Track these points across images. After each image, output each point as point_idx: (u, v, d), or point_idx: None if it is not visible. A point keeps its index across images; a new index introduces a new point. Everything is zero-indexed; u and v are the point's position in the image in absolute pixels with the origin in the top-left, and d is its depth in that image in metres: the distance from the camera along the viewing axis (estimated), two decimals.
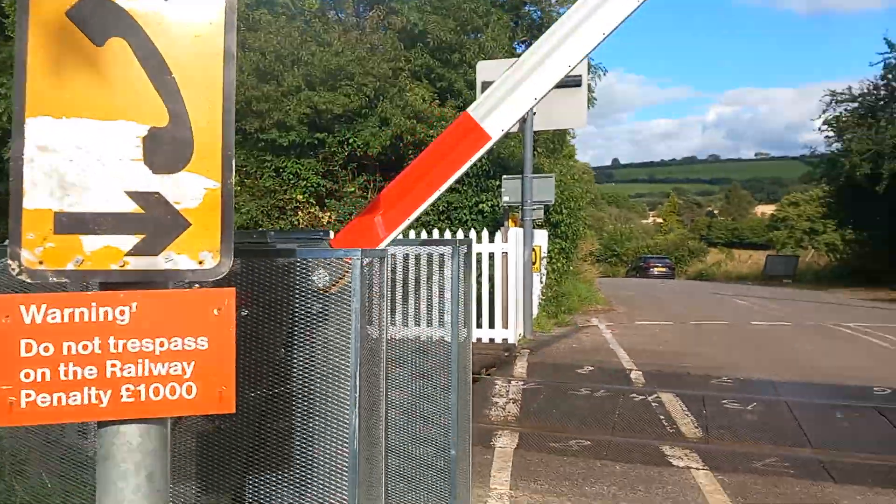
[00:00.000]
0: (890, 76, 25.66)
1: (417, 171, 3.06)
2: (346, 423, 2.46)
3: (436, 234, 10.47)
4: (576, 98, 10.88)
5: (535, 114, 10.73)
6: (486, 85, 11.13)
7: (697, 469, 5.17)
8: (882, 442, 5.84)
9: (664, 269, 44.04)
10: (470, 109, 3.21)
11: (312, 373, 2.51)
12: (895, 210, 24.54)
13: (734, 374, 8.49)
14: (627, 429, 6.23)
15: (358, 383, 2.42)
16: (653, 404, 7.01)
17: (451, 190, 13.40)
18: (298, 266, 2.51)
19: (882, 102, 25.87)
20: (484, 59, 13.15)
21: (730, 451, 5.65)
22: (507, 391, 7.36)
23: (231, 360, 1.65)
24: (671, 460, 5.37)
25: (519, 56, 15.22)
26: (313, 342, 2.52)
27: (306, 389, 2.52)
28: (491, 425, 6.19)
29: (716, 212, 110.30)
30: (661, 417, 6.54)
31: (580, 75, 10.89)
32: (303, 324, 2.56)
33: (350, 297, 2.50)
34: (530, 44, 20.29)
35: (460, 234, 10.34)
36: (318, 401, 2.53)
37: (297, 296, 2.55)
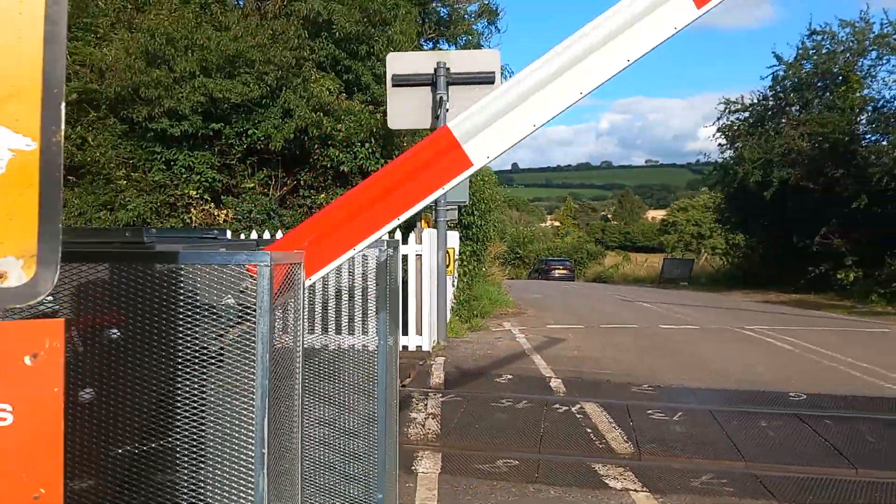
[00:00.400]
0: (778, 88, 26.92)
1: (374, 190, 2.45)
2: (249, 489, 1.81)
3: None
4: None
5: (448, 110, 10.23)
6: (396, 78, 10.52)
7: (636, 491, 4.78)
8: (810, 453, 5.67)
9: (565, 272, 44.85)
10: (451, 125, 2.61)
11: (203, 420, 1.85)
12: (783, 216, 25.73)
13: (654, 381, 8.27)
14: (556, 444, 5.80)
15: (265, 435, 1.78)
16: (577, 416, 6.63)
17: None
18: (183, 275, 1.85)
19: (770, 112, 27.10)
20: (393, 52, 12.53)
21: (664, 468, 5.31)
22: (426, 405, 6.79)
23: (56, 441, 0.98)
24: (607, 481, 4.97)
25: (425, 51, 14.57)
26: (204, 378, 1.86)
27: (194, 443, 1.85)
28: (412, 445, 5.60)
29: (609, 216, 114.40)
30: (589, 431, 6.15)
31: (493, 72, 10.47)
32: (191, 352, 1.89)
33: (255, 317, 1.85)
34: (437, 42, 19.75)
35: None
36: (211, 458, 1.87)
37: (181, 314, 1.88)
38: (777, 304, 20.85)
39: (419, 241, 9.58)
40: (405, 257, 9.51)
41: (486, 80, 10.25)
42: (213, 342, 1.89)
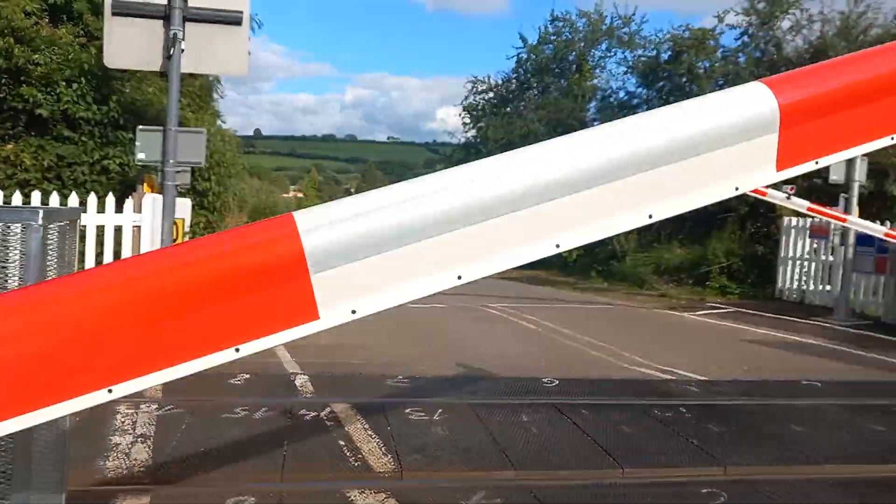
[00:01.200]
0: (521, 70, 28.14)
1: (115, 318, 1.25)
2: None
3: (36, 198, 7.73)
4: (236, 38, 8.89)
5: (183, 50, 8.51)
6: (118, 5, 8.48)
7: None
8: (576, 453, 5.32)
9: None
10: (302, 222, 1.35)
11: None
12: None
13: (409, 371, 7.63)
14: (302, 467, 4.78)
15: None
16: (328, 423, 5.69)
17: (64, 140, 10.33)
18: None
19: (513, 94, 28.28)
20: None
21: (430, 488, 4.59)
22: (135, 423, 5.32)
23: None
24: None
25: None
26: None
27: None
28: (108, 487, 4.20)
29: (353, 189, 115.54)
30: (342, 443, 5.23)
31: (241, 12, 8.92)
32: None
33: None
34: None
35: (74, 200, 7.77)
36: None
37: None
38: (511, 280, 21.77)
39: (138, 208, 7.88)
40: (118, 229, 7.77)
41: (232, 19, 8.68)
42: None
